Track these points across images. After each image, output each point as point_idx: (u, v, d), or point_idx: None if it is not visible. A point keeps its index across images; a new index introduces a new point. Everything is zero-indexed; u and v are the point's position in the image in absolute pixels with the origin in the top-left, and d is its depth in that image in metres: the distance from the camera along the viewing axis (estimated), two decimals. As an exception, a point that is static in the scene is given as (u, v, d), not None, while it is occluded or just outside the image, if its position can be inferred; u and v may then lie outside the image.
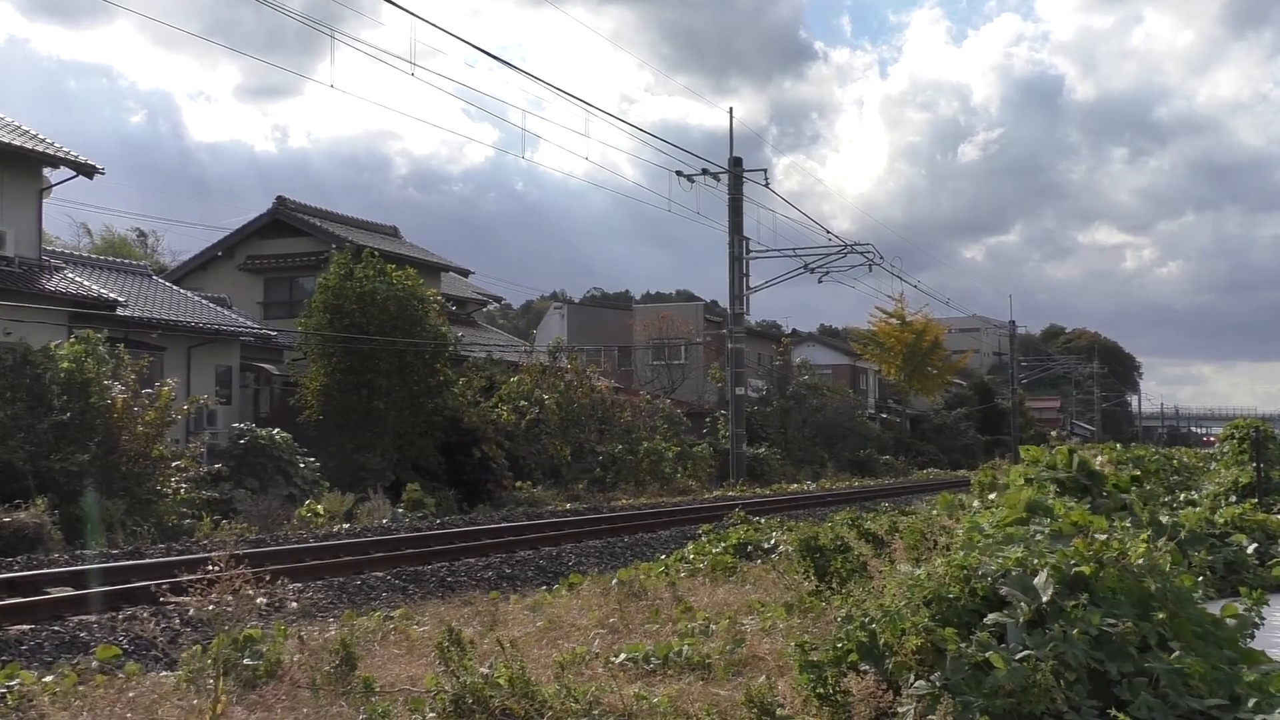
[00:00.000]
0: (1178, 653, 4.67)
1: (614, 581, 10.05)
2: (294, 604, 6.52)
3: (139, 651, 8.56)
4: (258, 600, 5.83)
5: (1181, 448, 42.30)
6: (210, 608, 5.57)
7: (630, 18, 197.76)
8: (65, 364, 18.39)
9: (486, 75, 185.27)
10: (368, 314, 26.42)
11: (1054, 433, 69.09)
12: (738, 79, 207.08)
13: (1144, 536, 5.60)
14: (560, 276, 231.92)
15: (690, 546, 13.04)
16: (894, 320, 61.49)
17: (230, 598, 5.55)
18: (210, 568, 5.62)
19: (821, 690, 4.83)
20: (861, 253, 38.20)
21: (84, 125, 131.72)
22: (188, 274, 37.57)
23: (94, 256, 33.96)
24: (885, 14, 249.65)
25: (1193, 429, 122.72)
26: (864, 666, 4.83)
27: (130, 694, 5.89)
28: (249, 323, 31.70)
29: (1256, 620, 5.58)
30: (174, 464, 19.75)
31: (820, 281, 38.92)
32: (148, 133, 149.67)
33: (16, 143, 23.34)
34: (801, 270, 38.71)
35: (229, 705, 5.32)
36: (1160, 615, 4.84)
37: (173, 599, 7.16)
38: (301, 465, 23.28)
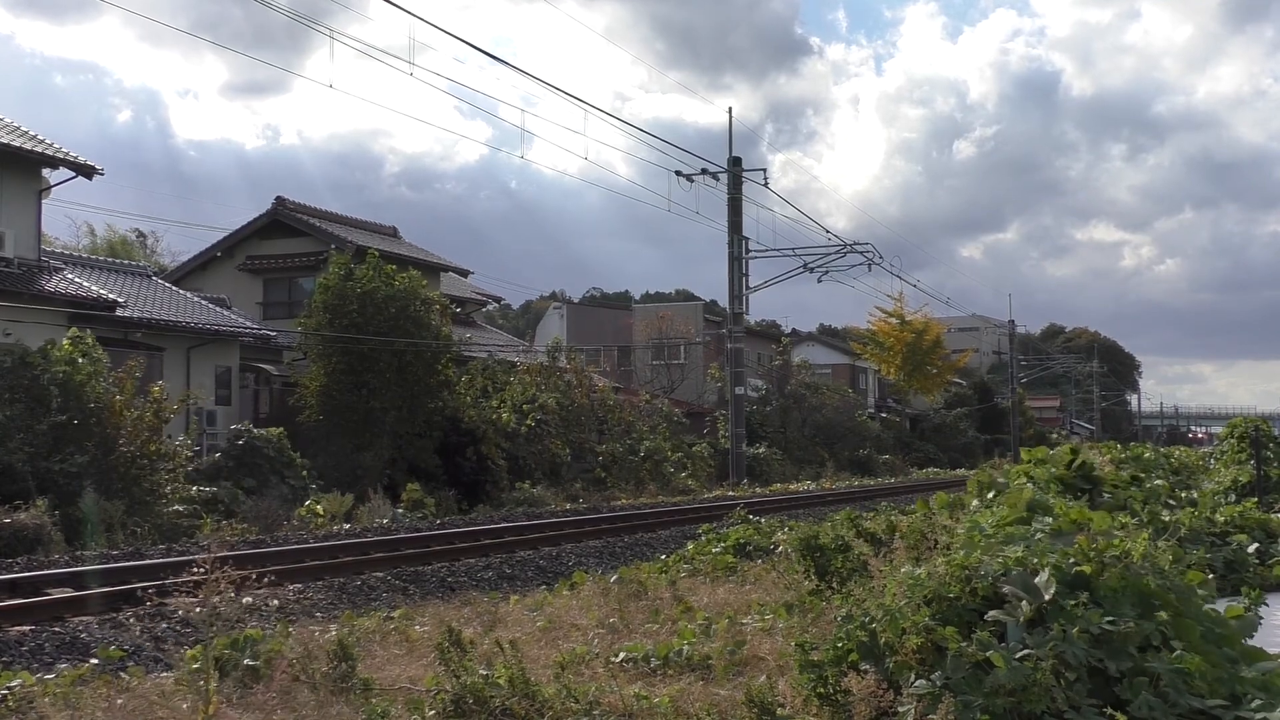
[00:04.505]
0: (1179, 652, 4.67)
1: (614, 581, 10.05)
2: (275, 603, 6.52)
3: (140, 652, 8.56)
4: (246, 600, 5.83)
5: (1181, 447, 42.37)
6: (203, 609, 5.56)
7: (623, 14, 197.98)
8: (59, 366, 18.38)
9: (478, 72, 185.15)
10: (367, 314, 26.42)
11: (1054, 434, 69.09)
12: (733, 75, 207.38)
13: (1145, 535, 5.60)
14: (557, 276, 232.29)
15: (690, 546, 13.05)
16: (893, 320, 61.54)
17: (218, 599, 5.54)
18: (209, 570, 5.61)
19: (822, 690, 4.82)
20: (861, 252, 38.21)
21: (70, 122, 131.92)
22: (187, 274, 37.56)
23: (93, 257, 33.97)
24: (880, 9, 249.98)
25: (1192, 427, 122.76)
26: (864, 666, 4.83)
27: (129, 695, 5.89)
28: (248, 323, 31.69)
29: (1257, 619, 5.58)
30: (170, 463, 19.72)
31: (820, 281, 38.97)
32: (134, 130, 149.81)
33: (16, 143, 23.33)
34: (801, 270, 38.73)
35: (224, 706, 5.32)
36: (1161, 614, 4.83)
37: (173, 600, 7.15)
38: (299, 466, 23.30)
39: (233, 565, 5.79)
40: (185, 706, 5.44)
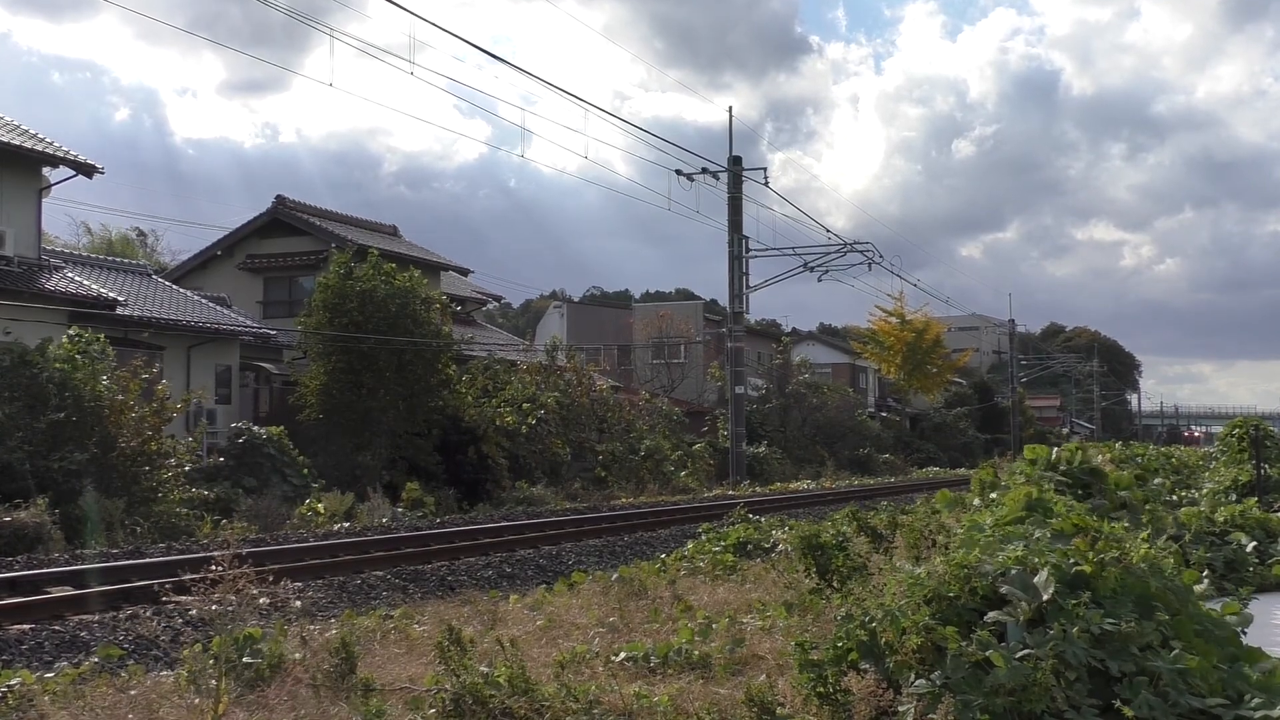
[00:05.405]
0: (1178, 651, 4.67)
1: (614, 580, 10.05)
2: (296, 603, 6.52)
3: (140, 651, 8.55)
4: (260, 600, 5.83)
5: (1180, 446, 42.39)
6: (214, 607, 5.56)
7: (622, 12, 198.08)
8: (57, 364, 18.37)
9: (477, 71, 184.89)
10: (367, 313, 26.42)
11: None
12: (732, 74, 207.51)
13: (1145, 535, 5.60)
14: (557, 275, 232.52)
15: (690, 545, 13.05)
16: (894, 319, 61.55)
17: (232, 597, 5.54)
18: (214, 567, 5.61)
19: (822, 689, 4.82)
20: (861, 251, 38.19)
21: (67, 121, 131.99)
22: (187, 273, 37.57)
23: (93, 256, 33.95)
24: (880, 8, 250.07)
25: (1191, 426, 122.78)
26: (864, 665, 4.83)
27: (131, 693, 5.89)
28: (248, 322, 31.70)
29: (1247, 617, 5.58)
30: (169, 461, 19.71)
31: (820, 280, 38.97)
32: (132, 129, 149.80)
33: (16, 142, 23.33)
34: (801, 269, 38.72)
35: (229, 704, 5.32)
36: (1161, 614, 4.83)
37: (174, 598, 7.14)
38: (300, 464, 23.31)
39: (235, 564, 5.78)
40: (189, 705, 5.44)
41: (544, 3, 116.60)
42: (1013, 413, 69.28)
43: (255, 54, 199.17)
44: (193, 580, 6.43)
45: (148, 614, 9.69)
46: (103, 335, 20.16)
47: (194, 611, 5.98)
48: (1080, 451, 11.04)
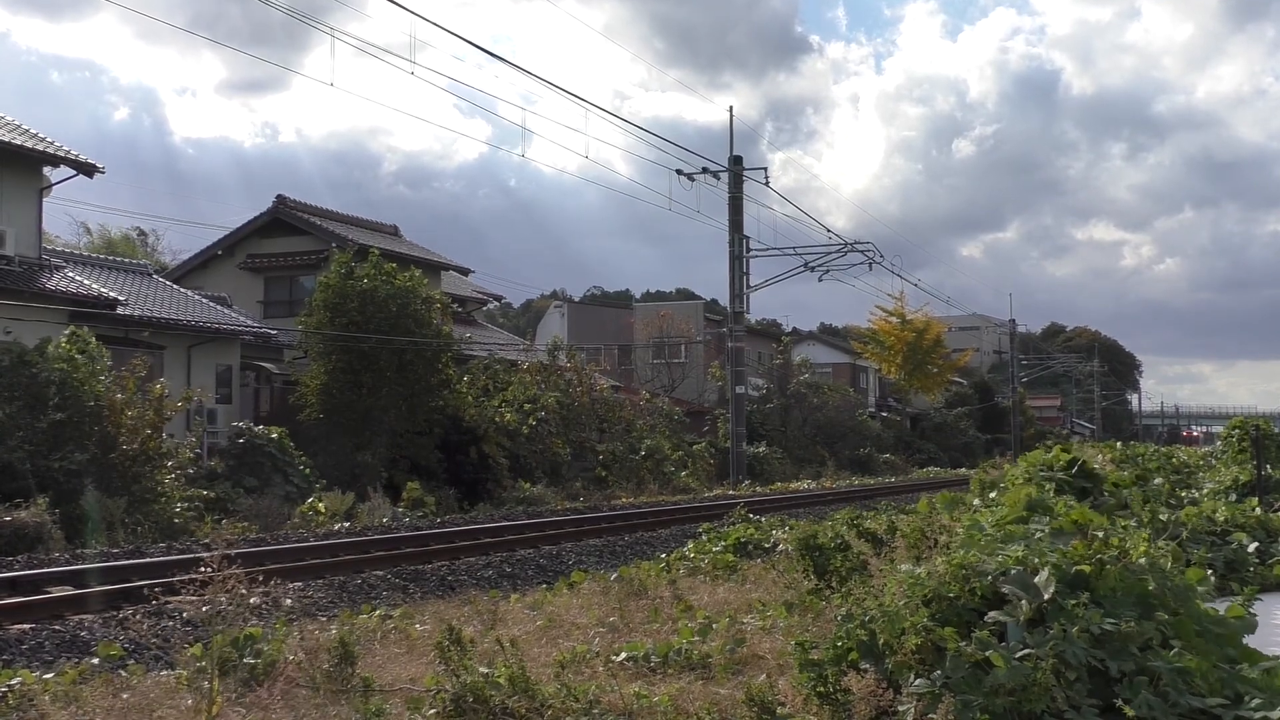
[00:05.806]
0: (1178, 651, 4.66)
1: (614, 580, 10.05)
2: (286, 602, 6.52)
3: (140, 651, 8.55)
4: (252, 600, 5.82)
5: (1181, 446, 42.37)
6: (204, 609, 5.56)
7: (622, 11, 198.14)
8: (57, 364, 18.37)
9: (477, 70, 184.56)
10: (367, 313, 26.42)
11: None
12: (732, 74, 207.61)
13: (1144, 535, 5.59)
14: (558, 275, 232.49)
15: (690, 545, 13.05)
16: (894, 319, 61.55)
17: (223, 598, 5.54)
18: (202, 568, 5.61)
19: (822, 689, 4.82)
20: (862, 251, 38.18)
21: (66, 120, 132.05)
22: (188, 273, 37.58)
23: (94, 255, 33.95)
24: (880, 7, 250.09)
25: (1191, 426, 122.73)
26: (864, 665, 4.83)
27: (129, 694, 5.89)
28: (249, 322, 31.69)
29: (1254, 617, 5.57)
30: (169, 462, 19.71)
31: (820, 280, 38.97)
32: (131, 128, 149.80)
33: (16, 141, 23.32)
34: (801, 268, 38.71)
35: (226, 705, 5.32)
36: (1161, 614, 4.83)
37: (172, 599, 7.14)
38: (299, 464, 23.32)
39: (232, 564, 5.78)
40: (187, 706, 5.44)
41: (544, 2, 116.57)
42: (1013, 413, 69.28)
43: (255, 53, 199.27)
44: (182, 582, 6.43)
45: (147, 614, 9.68)
46: (94, 338, 20.11)
47: (186, 613, 5.97)
48: (1065, 453, 11.00)
